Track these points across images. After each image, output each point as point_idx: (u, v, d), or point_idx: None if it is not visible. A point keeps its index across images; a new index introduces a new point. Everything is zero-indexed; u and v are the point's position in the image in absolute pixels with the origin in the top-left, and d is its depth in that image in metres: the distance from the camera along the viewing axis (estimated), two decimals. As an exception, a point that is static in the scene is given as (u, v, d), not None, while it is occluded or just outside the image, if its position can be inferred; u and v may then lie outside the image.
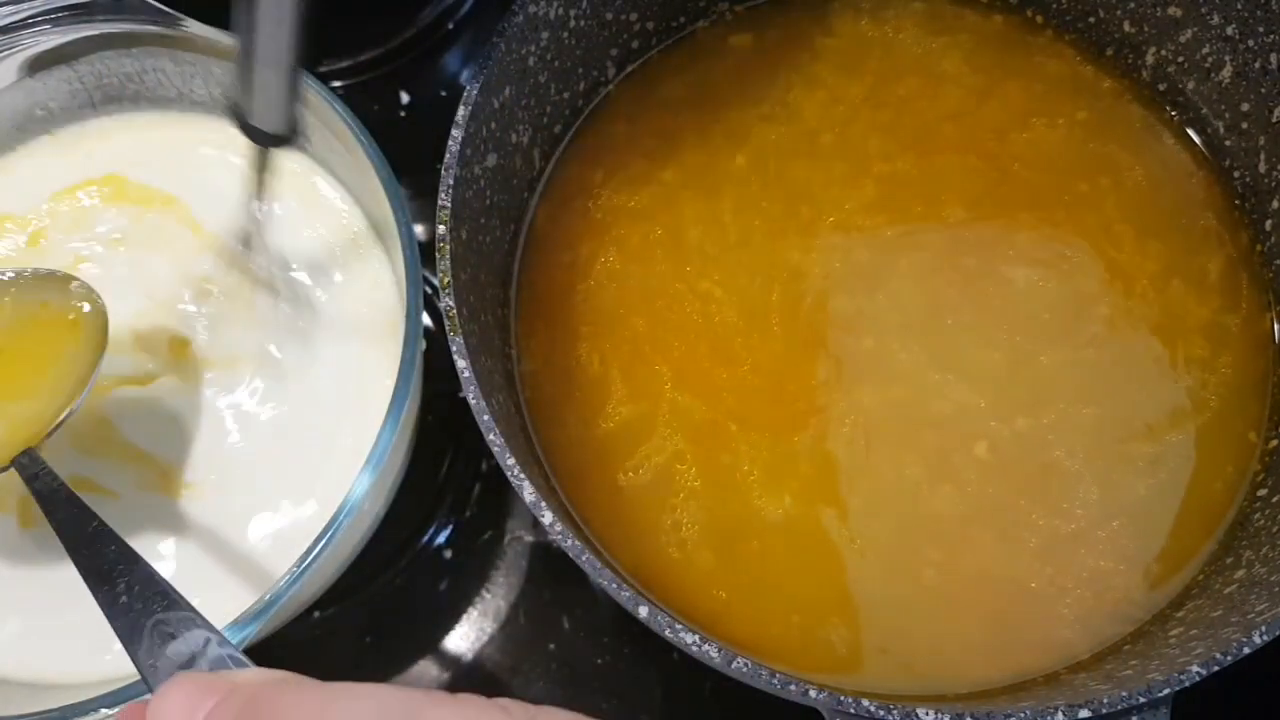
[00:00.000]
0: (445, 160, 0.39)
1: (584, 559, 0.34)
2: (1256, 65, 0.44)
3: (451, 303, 0.37)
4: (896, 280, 0.44)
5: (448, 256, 0.38)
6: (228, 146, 0.48)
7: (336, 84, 0.57)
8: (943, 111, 0.47)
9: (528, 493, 0.34)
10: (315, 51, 0.57)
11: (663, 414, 0.42)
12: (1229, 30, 0.44)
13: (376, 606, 0.49)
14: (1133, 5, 0.47)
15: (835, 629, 0.39)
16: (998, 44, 0.49)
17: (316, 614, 0.48)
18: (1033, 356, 0.43)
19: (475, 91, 0.40)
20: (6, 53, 0.45)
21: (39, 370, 0.38)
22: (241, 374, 0.45)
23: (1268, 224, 0.45)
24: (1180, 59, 0.47)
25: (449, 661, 0.48)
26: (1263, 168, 0.45)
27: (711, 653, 0.32)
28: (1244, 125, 0.45)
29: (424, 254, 0.39)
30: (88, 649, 0.41)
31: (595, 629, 0.48)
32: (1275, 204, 0.45)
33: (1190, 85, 0.47)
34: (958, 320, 0.44)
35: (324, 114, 0.42)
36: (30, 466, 0.36)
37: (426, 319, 0.51)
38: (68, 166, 0.48)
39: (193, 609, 0.28)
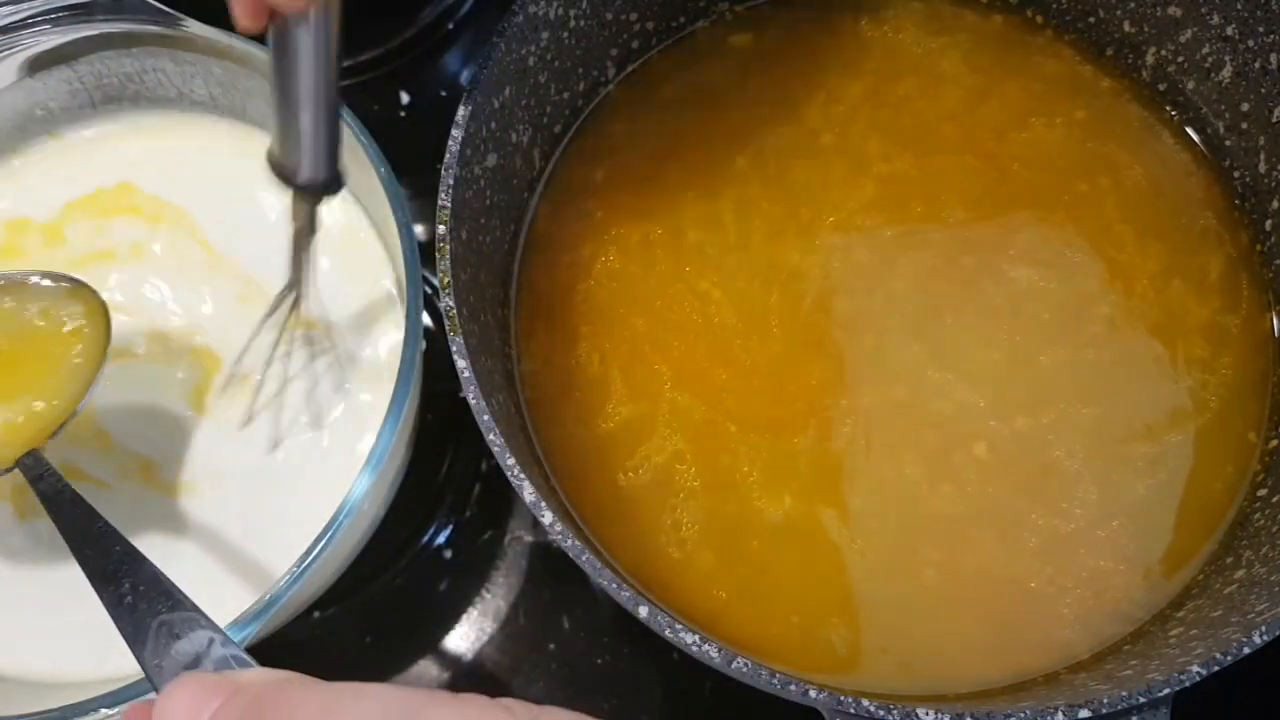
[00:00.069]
0: (445, 160, 0.39)
1: (584, 559, 0.34)
2: (1256, 65, 0.44)
3: (451, 303, 0.37)
4: (896, 280, 0.44)
5: (448, 256, 0.38)
6: (231, 149, 0.48)
7: (336, 84, 0.57)
8: (942, 111, 0.47)
9: (528, 493, 0.34)
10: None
11: (662, 414, 0.42)
12: (1229, 30, 0.44)
13: (376, 606, 0.49)
14: (1133, 5, 0.47)
15: (835, 629, 0.39)
16: (997, 44, 0.49)
17: (316, 614, 0.48)
18: (1032, 356, 0.43)
19: (475, 91, 0.40)
20: (6, 53, 0.45)
21: (44, 371, 0.39)
22: (243, 374, 0.45)
23: (1268, 224, 0.45)
24: (1180, 59, 0.47)
25: (449, 661, 0.48)
26: (1263, 168, 0.45)
27: (711, 653, 0.32)
28: (1244, 125, 0.45)
29: (424, 254, 0.39)
30: (88, 649, 0.41)
31: (595, 629, 0.48)
32: (1275, 204, 0.45)
33: (1190, 85, 0.47)
34: (957, 320, 0.44)
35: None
36: (35, 467, 0.36)
37: (426, 319, 0.51)
38: (79, 174, 0.48)
39: (197, 609, 0.28)
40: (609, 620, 0.48)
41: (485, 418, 0.35)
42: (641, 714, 0.47)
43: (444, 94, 0.59)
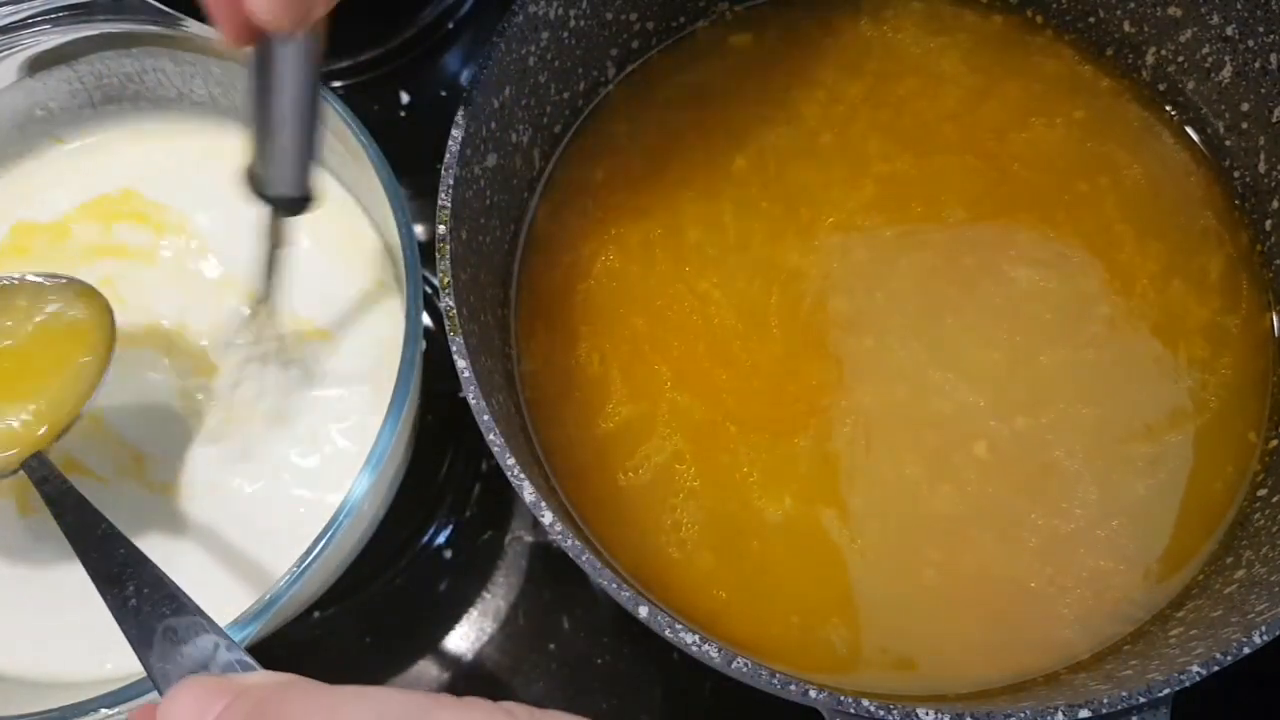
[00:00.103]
0: (445, 160, 0.39)
1: (584, 559, 0.34)
2: (1256, 65, 0.44)
3: (451, 303, 0.37)
4: (896, 280, 0.44)
5: (448, 256, 0.38)
6: (232, 152, 0.48)
7: (336, 84, 0.58)
8: (942, 111, 0.47)
9: (528, 493, 0.34)
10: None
11: (662, 414, 0.42)
12: (1229, 30, 0.44)
13: (376, 606, 0.49)
14: (1133, 5, 0.47)
15: (835, 629, 0.39)
16: (996, 44, 0.49)
17: (316, 614, 0.48)
18: (1032, 356, 0.43)
19: (475, 91, 0.40)
20: (6, 53, 0.45)
21: (50, 374, 0.39)
22: (244, 374, 0.45)
23: (1268, 224, 0.45)
24: (1180, 59, 0.47)
25: (449, 661, 0.48)
26: (1263, 168, 0.45)
27: (711, 653, 0.32)
28: (1244, 125, 0.45)
29: (424, 254, 0.39)
30: (88, 649, 0.41)
31: (595, 629, 0.48)
32: (1275, 204, 0.45)
33: (1190, 85, 0.47)
34: (958, 320, 0.44)
35: (324, 114, 0.42)
36: (40, 469, 0.36)
37: (426, 319, 0.51)
38: (83, 179, 0.48)
39: (201, 613, 0.28)
40: (609, 620, 0.48)
41: (485, 418, 0.35)
42: (641, 714, 0.47)
43: (444, 94, 0.59)
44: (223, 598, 0.40)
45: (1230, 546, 0.41)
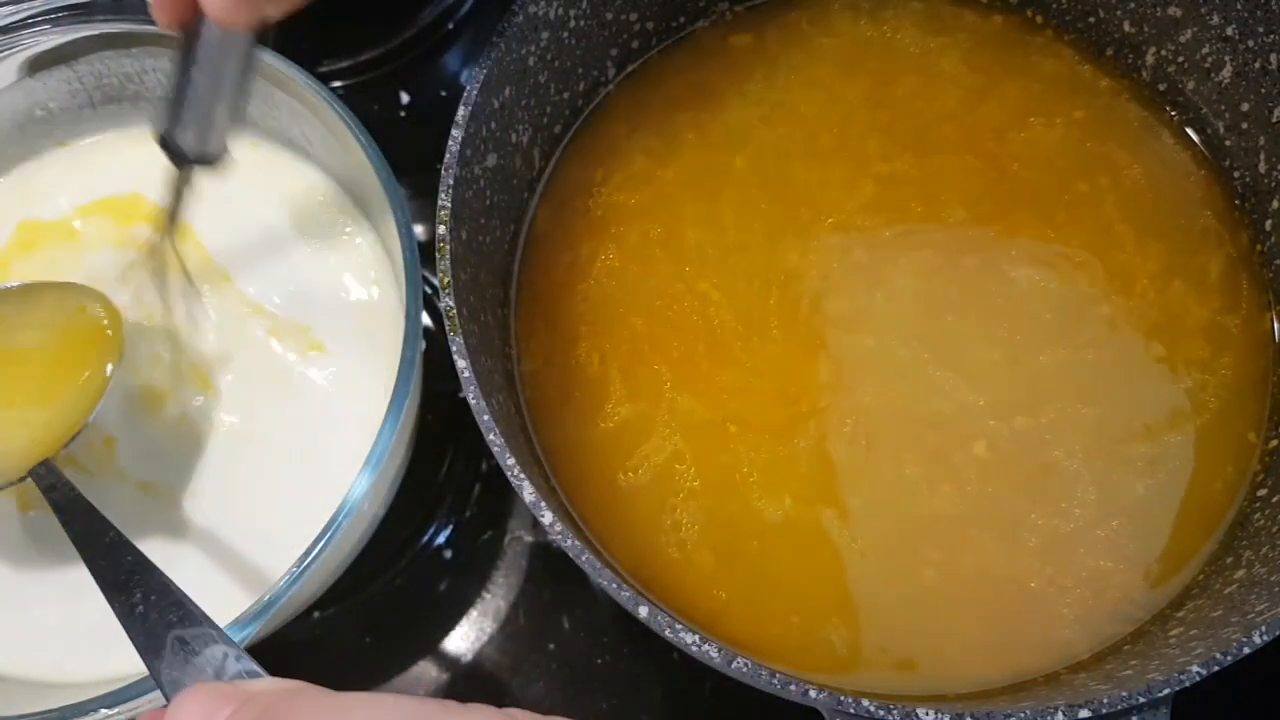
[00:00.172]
0: (445, 160, 0.39)
1: (584, 559, 0.34)
2: (1256, 65, 0.44)
3: (451, 303, 0.37)
4: (897, 280, 0.44)
5: (448, 256, 0.38)
6: (238, 154, 0.48)
7: (336, 84, 0.58)
8: (941, 111, 0.47)
9: (528, 493, 0.34)
10: (315, 51, 0.57)
11: (662, 414, 0.42)
12: (1229, 30, 0.44)
13: (376, 606, 0.49)
14: (1133, 5, 0.47)
15: (835, 629, 0.39)
16: (996, 44, 0.49)
17: (316, 614, 0.48)
18: (1033, 356, 0.43)
19: (475, 91, 0.40)
20: (6, 53, 0.45)
21: (59, 381, 0.39)
22: (243, 375, 0.45)
23: (1268, 224, 0.45)
24: (1180, 59, 0.47)
25: (449, 661, 0.48)
26: (1263, 168, 0.45)
27: (711, 653, 0.32)
28: (1244, 125, 0.45)
29: (424, 254, 0.39)
30: (88, 649, 0.41)
31: (595, 629, 0.48)
32: (1275, 204, 0.45)
33: (1190, 85, 0.47)
34: (957, 320, 0.44)
35: (324, 114, 0.42)
36: (47, 477, 0.36)
37: (426, 319, 0.51)
38: (87, 178, 0.48)
39: (208, 619, 0.28)
40: (609, 620, 0.48)
41: (485, 418, 0.35)
42: (641, 714, 0.47)
43: (444, 94, 0.59)
44: (222, 598, 0.40)
45: (1230, 546, 0.41)
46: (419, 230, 0.50)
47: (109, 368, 0.39)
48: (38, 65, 0.46)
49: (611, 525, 0.41)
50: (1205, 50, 0.45)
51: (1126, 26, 0.48)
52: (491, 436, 0.35)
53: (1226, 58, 0.45)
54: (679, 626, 0.33)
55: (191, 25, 0.32)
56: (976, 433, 0.42)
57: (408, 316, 0.38)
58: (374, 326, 0.45)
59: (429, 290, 0.51)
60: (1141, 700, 0.32)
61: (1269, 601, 0.35)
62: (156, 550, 0.42)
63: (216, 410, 0.44)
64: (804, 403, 0.42)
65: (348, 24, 0.58)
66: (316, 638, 0.48)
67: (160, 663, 0.27)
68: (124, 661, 0.40)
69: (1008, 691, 0.39)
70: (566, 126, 0.48)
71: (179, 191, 0.39)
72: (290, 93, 0.43)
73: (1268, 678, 0.38)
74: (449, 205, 0.38)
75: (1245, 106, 0.45)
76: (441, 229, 0.38)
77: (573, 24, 0.45)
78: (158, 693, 0.33)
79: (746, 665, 0.32)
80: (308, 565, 0.35)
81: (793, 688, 0.32)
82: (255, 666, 0.26)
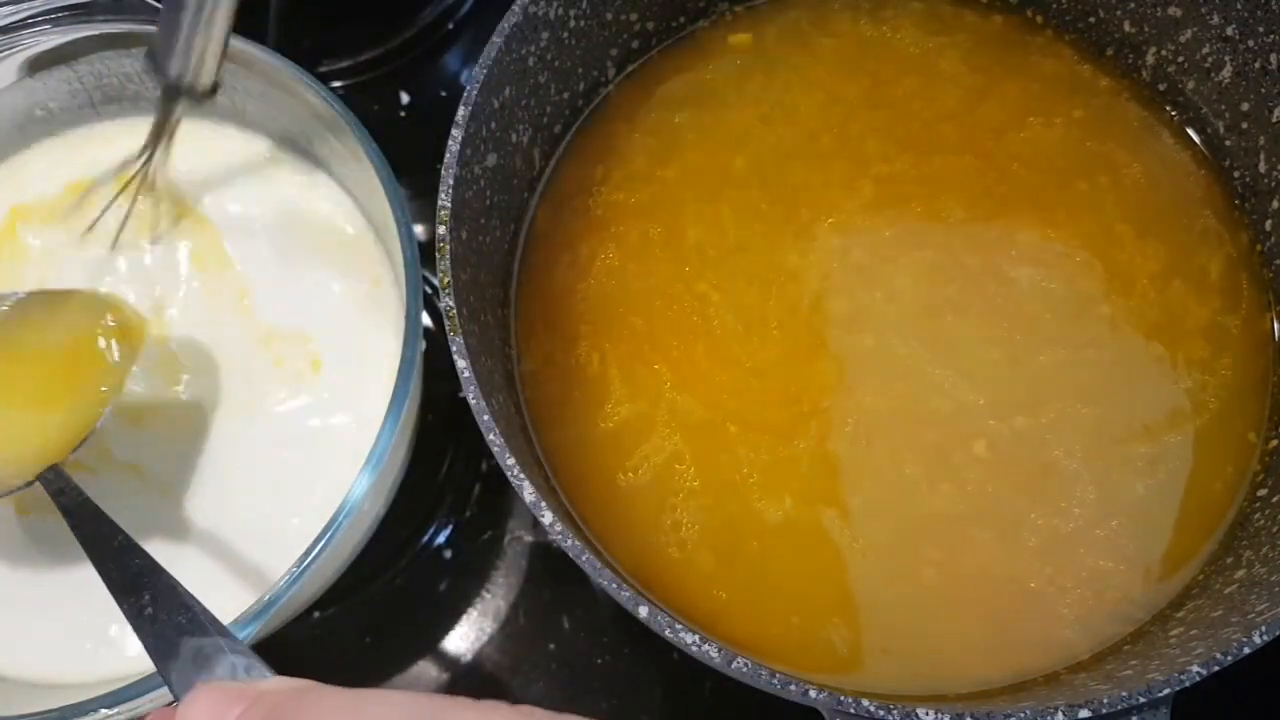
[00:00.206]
0: (445, 160, 0.39)
1: (584, 559, 0.34)
2: (1256, 65, 0.44)
3: (451, 303, 0.37)
4: (897, 279, 0.44)
5: (448, 256, 0.38)
6: (231, 154, 0.48)
7: (336, 84, 0.58)
8: (941, 111, 0.47)
9: (528, 493, 0.34)
10: (315, 51, 0.57)
11: (662, 414, 0.42)
12: (1229, 30, 0.44)
13: (376, 606, 0.49)
14: (1133, 5, 0.47)
15: (835, 629, 0.39)
16: (996, 44, 0.49)
17: (316, 614, 0.48)
18: (1033, 356, 0.43)
19: (475, 91, 0.40)
20: (6, 53, 0.45)
21: (71, 386, 0.39)
22: (244, 375, 0.45)
23: (1268, 224, 0.45)
24: (1180, 59, 0.47)
25: (449, 661, 0.48)
26: (1263, 168, 0.45)
27: (711, 653, 0.32)
28: (1244, 125, 0.45)
29: (424, 254, 0.39)
30: (88, 649, 0.41)
31: (595, 629, 0.48)
32: (1275, 204, 0.45)
33: (1190, 85, 0.47)
34: (957, 319, 0.44)
35: (324, 114, 0.42)
36: (55, 481, 0.36)
37: (426, 319, 0.51)
38: (86, 170, 0.48)
39: (215, 620, 0.28)
40: (609, 620, 0.48)
41: (485, 418, 0.35)
42: (641, 714, 0.47)
43: (444, 94, 0.59)
44: (223, 598, 0.40)
45: (1230, 546, 0.41)
46: (419, 230, 0.51)
47: (121, 374, 0.39)
48: (38, 65, 0.46)
49: (611, 525, 0.41)
50: (1205, 50, 0.45)
51: (1126, 26, 0.48)
52: (491, 436, 0.35)
53: (1226, 58, 0.45)
54: (679, 626, 0.33)
55: None
56: (976, 432, 0.42)
57: (408, 316, 0.38)
58: (374, 326, 0.45)
59: (429, 290, 0.51)
60: (1141, 700, 0.32)
61: (1269, 601, 0.35)
62: (157, 550, 0.42)
63: (216, 410, 0.44)
64: (804, 403, 0.42)
65: (348, 24, 0.58)
66: (316, 638, 0.48)
67: (169, 663, 0.27)
68: (124, 661, 0.40)
69: (1008, 691, 0.39)
70: (566, 126, 0.48)
71: (166, 123, 0.40)
72: (290, 93, 0.43)
73: (1268, 678, 0.38)
74: (449, 205, 0.38)
75: (1245, 106, 0.45)
76: (441, 229, 0.38)
77: (573, 24, 0.45)
78: (158, 692, 0.34)
79: (746, 665, 0.32)
80: (308, 565, 0.35)
81: (793, 688, 0.32)
82: (263, 666, 0.26)
